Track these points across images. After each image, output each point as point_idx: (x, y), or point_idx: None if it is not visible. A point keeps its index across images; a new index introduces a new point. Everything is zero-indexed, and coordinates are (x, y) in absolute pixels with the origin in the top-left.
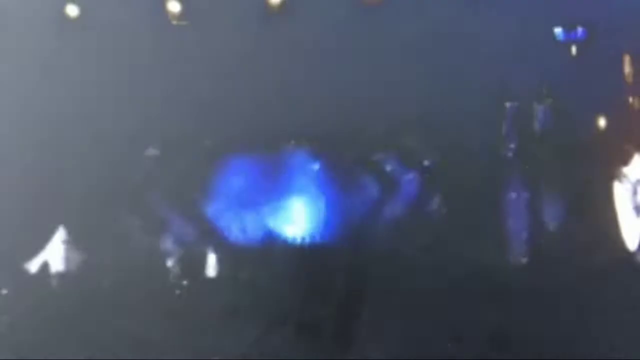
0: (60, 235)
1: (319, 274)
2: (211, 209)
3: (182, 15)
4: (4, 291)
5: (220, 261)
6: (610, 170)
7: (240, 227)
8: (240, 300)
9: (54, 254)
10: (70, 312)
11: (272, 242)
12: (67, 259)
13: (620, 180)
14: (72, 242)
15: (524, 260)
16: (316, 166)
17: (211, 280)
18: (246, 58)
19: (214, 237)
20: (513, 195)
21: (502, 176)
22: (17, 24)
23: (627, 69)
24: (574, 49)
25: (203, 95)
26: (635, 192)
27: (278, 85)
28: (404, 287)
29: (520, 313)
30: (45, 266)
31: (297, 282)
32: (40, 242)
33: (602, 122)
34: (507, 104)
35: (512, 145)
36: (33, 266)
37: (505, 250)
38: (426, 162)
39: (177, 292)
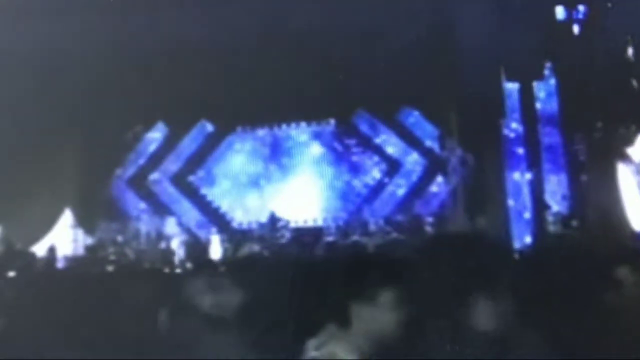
0: (65, 219)
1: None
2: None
3: None
4: (11, 273)
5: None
6: (615, 150)
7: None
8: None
9: (60, 238)
10: (75, 296)
11: (274, 224)
12: (73, 243)
13: (624, 161)
14: (78, 226)
15: (527, 240)
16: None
17: (215, 264)
18: (249, 43)
19: (218, 220)
20: (516, 175)
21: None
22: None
23: (631, 49)
24: (576, 29)
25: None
26: (639, 172)
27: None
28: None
29: (524, 306)
30: (51, 250)
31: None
32: (46, 226)
33: (606, 102)
34: (509, 84)
35: (515, 125)
36: (39, 249)
37: (508, 231)
38: (428, 143)
39: (179, 270)
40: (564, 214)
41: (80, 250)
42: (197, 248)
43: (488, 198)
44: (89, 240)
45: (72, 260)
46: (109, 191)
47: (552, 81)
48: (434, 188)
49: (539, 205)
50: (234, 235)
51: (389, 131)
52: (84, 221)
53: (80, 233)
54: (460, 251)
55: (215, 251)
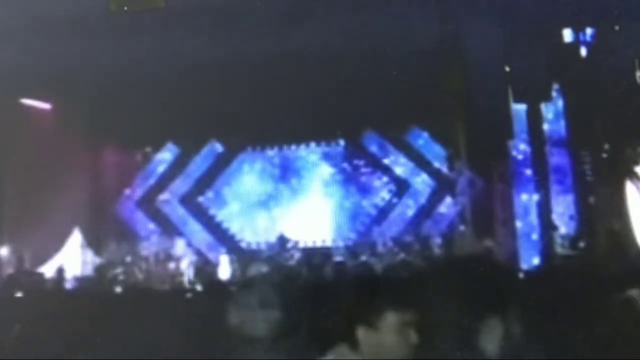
0: (75, 240)
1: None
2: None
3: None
4: (19, 294)
5: (232, 264)
6: (623, 171)
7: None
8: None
9: (69, 258)
10: (84, 316)
11: (283, 244)
12: (82, 263)
13: (632, 182)
14: (87, 246)
15: (535, 261)
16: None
17: (223, 283)
18: (259, 64)
19: (227, 240)
20: (524, 197)
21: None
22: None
23: (639, 72)
24: (583, 51)
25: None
26: None
27: (290, 90)
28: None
29: (532, 320)
30: (60, 270)
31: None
32: (55, 247)
33: (613, 124)
34: (517, 106)
35: (523, 147)
36: (49, 270)
37: (516, 252)
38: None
39: (188, 295)
40: (572, 235)
41: (90, 271)
42: (206, 269)
43: (496, 219)
44: (98, 261)
45: (81, 281)
46: (119, 211)
47: (560, 102)
48: (442, 209)
49: (547, 226)
50: (243, 256)
51: (397, 152)
52: (93, 241)
53: (89, 253)
54: (468, 272)
55: (225, 272)
